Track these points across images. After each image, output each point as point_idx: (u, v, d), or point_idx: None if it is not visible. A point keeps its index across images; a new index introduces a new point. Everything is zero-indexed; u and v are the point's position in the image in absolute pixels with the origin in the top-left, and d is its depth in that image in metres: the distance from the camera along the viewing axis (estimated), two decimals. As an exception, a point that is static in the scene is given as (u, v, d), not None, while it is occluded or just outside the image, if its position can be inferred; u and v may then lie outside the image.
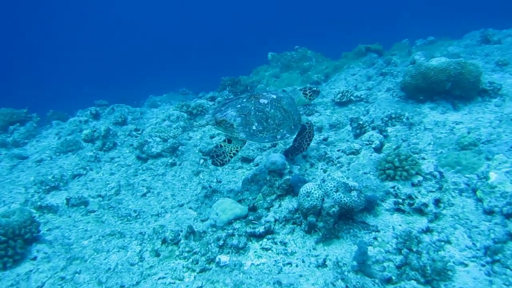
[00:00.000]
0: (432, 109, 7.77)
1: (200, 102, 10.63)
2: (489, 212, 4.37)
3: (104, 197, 7.08)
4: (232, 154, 5.29)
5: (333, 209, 4.34)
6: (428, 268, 3.74)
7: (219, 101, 5.67)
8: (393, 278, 3.81)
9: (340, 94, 9.34)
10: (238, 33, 52.83)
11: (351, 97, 9.37)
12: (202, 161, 7.99)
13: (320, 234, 4.45)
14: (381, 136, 6.75)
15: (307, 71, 13.90)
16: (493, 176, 4.54)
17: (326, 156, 6.27)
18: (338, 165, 6.03)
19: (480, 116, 7.26)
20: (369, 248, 4.20)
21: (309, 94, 5.97)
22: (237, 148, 5.33)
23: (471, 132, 6.69)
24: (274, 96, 5.20)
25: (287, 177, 5.20)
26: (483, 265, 3.87)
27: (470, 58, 11.10)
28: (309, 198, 4.45)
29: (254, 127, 4.84)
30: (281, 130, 5.02)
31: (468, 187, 4.85)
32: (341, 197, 4.39)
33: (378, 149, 6.43)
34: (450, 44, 14.48)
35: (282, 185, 5.12)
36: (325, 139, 7.54)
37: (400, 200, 4.71)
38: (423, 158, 5.21)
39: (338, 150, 6.51)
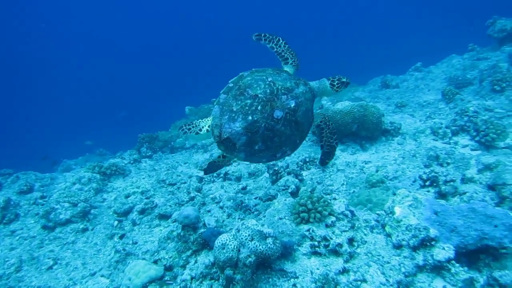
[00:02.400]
0: (343, 150, 8.13)
1: (114, 161, 10.19)
2: (398, 246, 4.51)
3: (1, 276, 6.27)
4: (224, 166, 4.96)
5: (250, 259, 4.20)
6: (346, 310, 3.69)
7: (232, 84, 4.20)
8: (313, 325, 3.70)
9: (257, 143, 9.45)
10: (156, 88, 52.39)
11: (268, 144, 9.53)
12: (116, 223, 7.49)
13: (239, 287, 4.25)
14: (297, 180, 6.86)
15: (226, 122, 14.05)
16: (398, 211, 4.73)
17: (243, 205, 6.19)
18: (255, 213, 5.95)
19: (386, 155, 7.72)
20: (289, 296, 4.08)
21: (336, 86, 4.97)
22: (230, 162, 4.81)
23: (379, 170, 7.04)
24: (293, 105, 4.22)
25: (202, 230, 5.00)
26: (397, 300, 3.92)
27: (374, 102, 11.99)
28: (224, 250, 4.28)
29: (256, 147, 4.13)
30: (284, 148, 4.29)
31: (378, 223, 5.00)
32: (256, 246, 4.27)
33: (294, 194, 6.49)
34: (356, 90, 15.63)
35: (197, 239, 4.91)
36: (243, 188, 7.49)
37: (316, 243, 4.70)
38: (334, 198, 5.32)
39: (256, 198, 6.47)
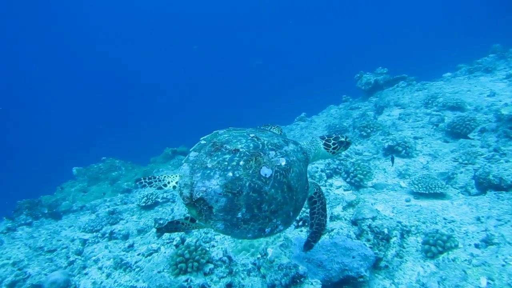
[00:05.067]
0: (230, 199, 8.33)
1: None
2: (272, 287, 4.68)
3: None
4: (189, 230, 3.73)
5: (122, 318, 4.03)
6: None
7: (204, 141, 3.49)
8: None
9: (145, 198, 9.30)
10: (40, 151, 47.80)
11: (157, 199, 9.41)
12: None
13: None
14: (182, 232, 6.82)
15: (117, 180, 13.60)
16: (270, 252, 4.96)
17: (123, 262, 5.96)
18: (136, 270, 5.76)
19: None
20: None
21: (332, 146, 4.06)
22: (196, 229, 3.80)
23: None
24: (283, 162, 3.34)
25: (72, 294, 4.70)
26: None
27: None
28: (94, 313, 4.06)
29: (239, 215, 3.14)
30: (274, 220, 3.29)
31: (255, 266, 5.16)
32: (129, 304, 4.13)
33: (179, 245, 6.43)
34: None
35: (67, 305, 4.58)
36: (130, 246, 7.21)
37: (194, 293, 4.69)
38: (213, 246, 5.40)
39: (138, 254, 6.28)
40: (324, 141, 4.00)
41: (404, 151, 9.00)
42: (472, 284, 4.10)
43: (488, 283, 4.08)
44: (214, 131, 3.62)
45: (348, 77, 18.27)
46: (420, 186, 7.01)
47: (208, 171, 3.17)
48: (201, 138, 3.51)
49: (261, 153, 3.30)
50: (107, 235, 8.19)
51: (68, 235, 8.93)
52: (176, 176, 3.45)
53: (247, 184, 3.10)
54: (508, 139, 7.72)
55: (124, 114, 53.77)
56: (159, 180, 3.62)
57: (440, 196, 6.84)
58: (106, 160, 14.66)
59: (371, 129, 10.65)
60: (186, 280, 4.81)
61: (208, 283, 4.78)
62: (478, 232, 5.41)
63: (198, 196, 3.07)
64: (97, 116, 54.36)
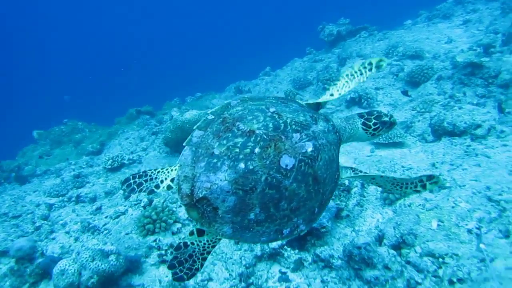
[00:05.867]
0: (196, 157, 8.37)
1: None
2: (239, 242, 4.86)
3: None
4: (205, 255, 2.86)
5: (92, 280, 4.13)
6: (190, 310, 3.86)
7: (212, 116, 2.68)
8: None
9: (111, 160, 9.19)
10: None
11: (123, 161, 9.32)
12: None
13: (84, 312, 4.12)
14: (149, 193, 6.85)
15: (81, 142, 13.31)
16: (236, 207, 5.10)
17: (90, 226, 5.98)
18: (105, 232, 5.80)
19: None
20: (136, 310, 4.10)
21: (373, 127, 3.17)
22: (213, 243, 2.84)
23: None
24: (310, 148, 2.58)
25: (39, 260, 4.71)
26: (237, 291, 4.23)
27: (228, 107, 12.54)
28: (64, 277, 4.12)
29: (252, 216, 2.54)
30: (295, 219, 2.67)
31: (222, 222, 5.31)
32: (98, 265, 4.20)
33: (146, 207, 6.48)
34: (213, 97, 16.22)
35: (35, 270, 4.60)
36: (98, 208, 7.21)
37: (163, 252, 4.81)
38: (180, 206, 5.48)
39: (106, 217, 6.30)
40: (363, 120, 3.18)
41: (365, 102, 9.18)
42: (424, 227, 4.39)
43: (438, 225, 4.38)
44: (226, 102, 2.96)
45: (312, 28, 18.07)
46: (380, 137, 7.23)
47: (215, 160, 2.52)
48: (208, 111, 2.85)
49: (282, 136, 2.57)
50: (73, 199, 8.13)
51: (33, 200, 8.80)
52: (172, 170, 2.82)
53: (262, 179, 2.48)
54: (463, 86, 7.98)
55: (85, 75, 51.76)
56: (150, 180, 2.91)
57: (399, 145, 7.11)
58: (68, 122, 14.27)
59: (334, 82, 10.71)
60: (155, 240, 4.91)
61: (177, 242, 4.89)
62: (432, 178, 5.70)
63: (201, 196, 2.47)
64: (56, 77, 52.24)
